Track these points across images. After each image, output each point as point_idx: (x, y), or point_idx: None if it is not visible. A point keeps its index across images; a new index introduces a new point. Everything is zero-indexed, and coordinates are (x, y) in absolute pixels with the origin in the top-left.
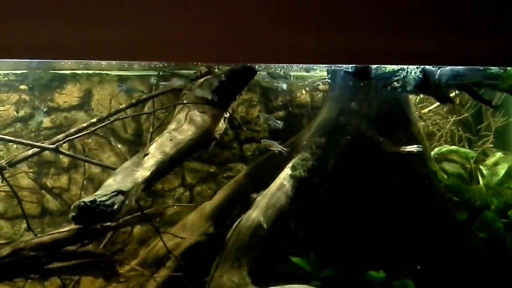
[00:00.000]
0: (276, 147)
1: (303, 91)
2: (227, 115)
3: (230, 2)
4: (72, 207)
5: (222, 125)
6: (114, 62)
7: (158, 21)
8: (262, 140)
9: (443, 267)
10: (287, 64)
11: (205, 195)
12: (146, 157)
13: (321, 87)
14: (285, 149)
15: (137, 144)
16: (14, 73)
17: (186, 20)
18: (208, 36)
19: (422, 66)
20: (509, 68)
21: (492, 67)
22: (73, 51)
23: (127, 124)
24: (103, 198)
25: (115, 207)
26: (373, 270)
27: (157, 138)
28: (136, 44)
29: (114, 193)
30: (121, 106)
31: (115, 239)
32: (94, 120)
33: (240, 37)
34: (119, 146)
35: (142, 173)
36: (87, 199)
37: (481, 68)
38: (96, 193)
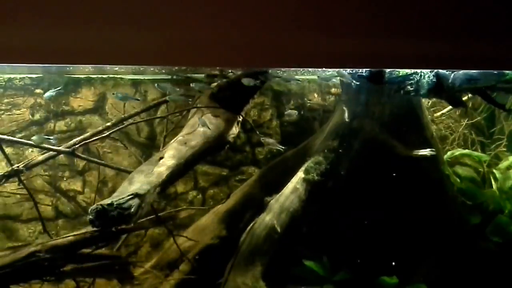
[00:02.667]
0: (274, 145)
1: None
2: (240, 118)
3: (244, 7)
4: (89, 210)
5: (235, 128)
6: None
7: (173, 26)
8: (262, 138)
9: (456, 271)
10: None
11: (217, 198)
12: (161, 161)
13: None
14: (282, 147)
15: (150, 148)
16: (29, 77)
17: (201, 25)
18: (223, 41)
19: (435, 70)
20: None
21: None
22: (88, 56)
23: (141, 128)
24: (120, 201)
25: (132, 210)
26: (386, 273)
27: (171, 142)
28: (152, 48)
29: (131, 196)
30: (135, 110)
31: (128, 242)
32: (109, 123)
33: (254, 41)
34: (133, 149)
35: (158, 176)
36: (104, 202)
37: (495, 72)
38: (113, 196)
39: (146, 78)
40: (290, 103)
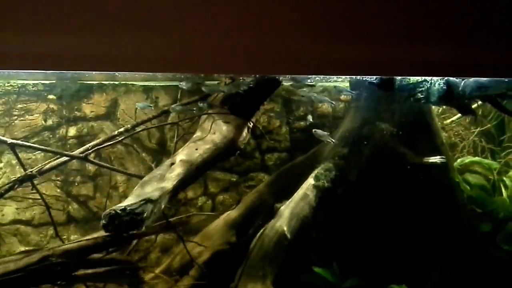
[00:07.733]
0: (326, 137)
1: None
2: (251, 124)
3: (257, 14)
4: (102, 215)
5: (246, 134)
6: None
7: (185, 33)
8: (314, 130)
9: (467, 279)
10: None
11: (227, 204)
12: (172, 166)
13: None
14: (334, 140)
15: (161, 153)
16: (42, 83)
17: (211, 32)
18: (235, 48)
19: (446, 78)
20: None
21: None
22: (101, 63)
23: (152, 134)
24: (133, 207)
25: (145, 215)
26: (396, 281)
27: (183, 148)
28: (163, 56)
29: (143, 202)
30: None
31: (138, 247)
32: (122, 129)
33: (266, 48)
34: (144, 155)
35: (169, 182)
36: (117, 207)
37: (506, 80)
38: (125, 201)
39: (157, 84)
40: (299, 109)
